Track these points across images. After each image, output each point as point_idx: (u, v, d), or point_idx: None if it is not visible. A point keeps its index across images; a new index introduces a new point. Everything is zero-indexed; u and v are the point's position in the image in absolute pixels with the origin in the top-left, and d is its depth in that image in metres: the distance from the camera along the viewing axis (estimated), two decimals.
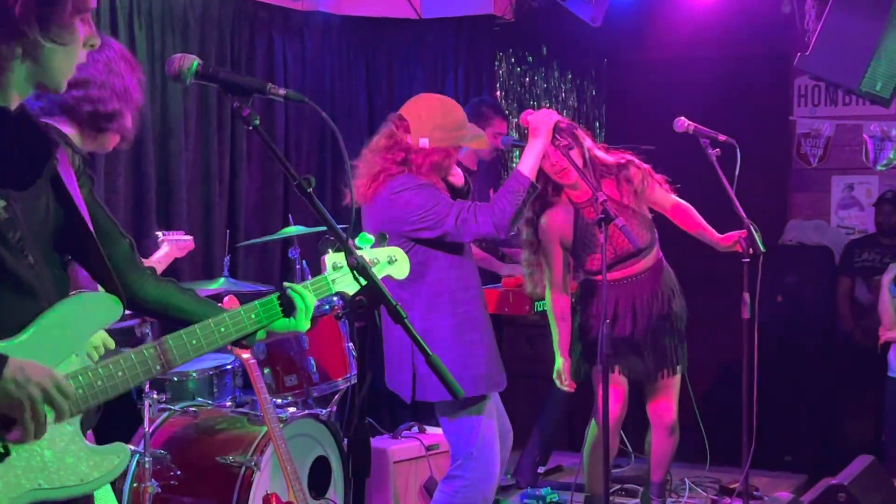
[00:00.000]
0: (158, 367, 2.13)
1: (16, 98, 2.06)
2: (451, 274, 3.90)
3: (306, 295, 2.35)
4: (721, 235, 4.58)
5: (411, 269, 3.35)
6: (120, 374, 2.06)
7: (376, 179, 3.83)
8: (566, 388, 4.62)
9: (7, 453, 1.94)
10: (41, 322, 2.02)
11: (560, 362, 4.60)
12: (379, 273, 2.57)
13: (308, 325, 2.36)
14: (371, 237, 2.56)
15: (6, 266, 1.99)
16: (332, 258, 2.41)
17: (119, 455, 2.10)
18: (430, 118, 3.87)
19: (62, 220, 2.12)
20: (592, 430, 4.75)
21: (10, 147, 2.06)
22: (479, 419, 3.89)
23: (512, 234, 4.00)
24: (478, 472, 3.91)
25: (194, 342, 2.16)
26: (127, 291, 2.21)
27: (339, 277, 2.40)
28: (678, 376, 4.70)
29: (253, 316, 2.26)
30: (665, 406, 4.72)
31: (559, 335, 4.64)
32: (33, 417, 1.93)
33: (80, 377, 2.01)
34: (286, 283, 2.37)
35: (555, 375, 4.63)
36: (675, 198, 4.69)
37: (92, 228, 2.14)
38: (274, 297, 2.31)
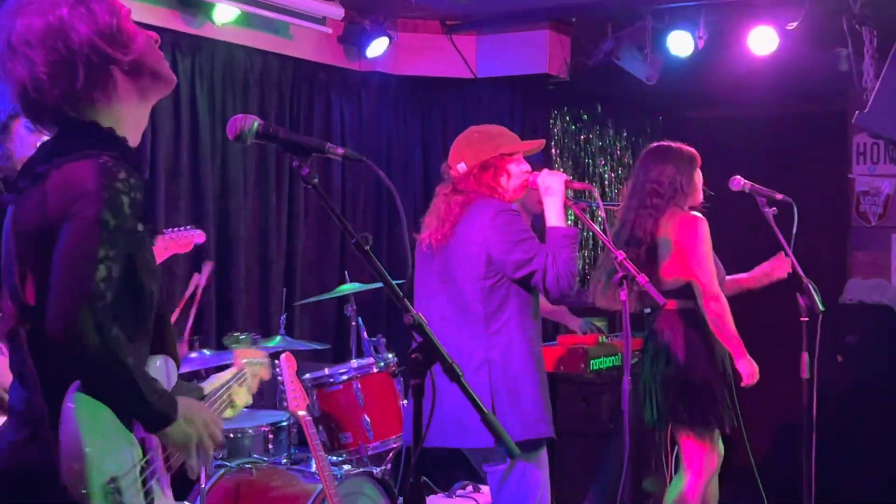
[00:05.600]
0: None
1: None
2: (524, 323, 3.71)
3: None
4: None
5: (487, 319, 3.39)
6: None
7: (446, 221, 3.75)
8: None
9: None
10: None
11: (747, 363, 4.44)
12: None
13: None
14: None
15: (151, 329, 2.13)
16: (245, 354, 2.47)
17: None
18: (461, 144, 3.86)
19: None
20: (675, 485, 4.63)
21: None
22: (536, 475, 3.66)
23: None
24: None
25: None
26: None
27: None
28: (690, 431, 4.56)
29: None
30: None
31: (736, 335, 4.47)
32: (199, 454, 2.03)
33: None
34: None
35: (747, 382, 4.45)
36: None
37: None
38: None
